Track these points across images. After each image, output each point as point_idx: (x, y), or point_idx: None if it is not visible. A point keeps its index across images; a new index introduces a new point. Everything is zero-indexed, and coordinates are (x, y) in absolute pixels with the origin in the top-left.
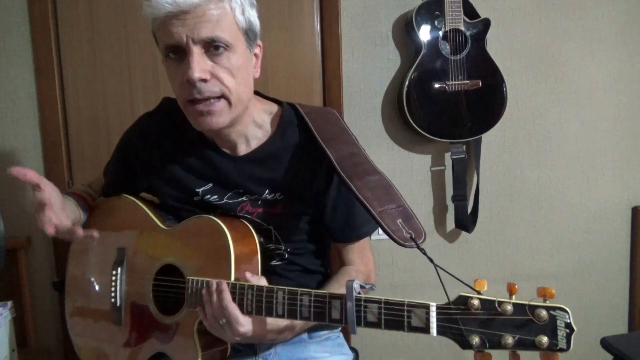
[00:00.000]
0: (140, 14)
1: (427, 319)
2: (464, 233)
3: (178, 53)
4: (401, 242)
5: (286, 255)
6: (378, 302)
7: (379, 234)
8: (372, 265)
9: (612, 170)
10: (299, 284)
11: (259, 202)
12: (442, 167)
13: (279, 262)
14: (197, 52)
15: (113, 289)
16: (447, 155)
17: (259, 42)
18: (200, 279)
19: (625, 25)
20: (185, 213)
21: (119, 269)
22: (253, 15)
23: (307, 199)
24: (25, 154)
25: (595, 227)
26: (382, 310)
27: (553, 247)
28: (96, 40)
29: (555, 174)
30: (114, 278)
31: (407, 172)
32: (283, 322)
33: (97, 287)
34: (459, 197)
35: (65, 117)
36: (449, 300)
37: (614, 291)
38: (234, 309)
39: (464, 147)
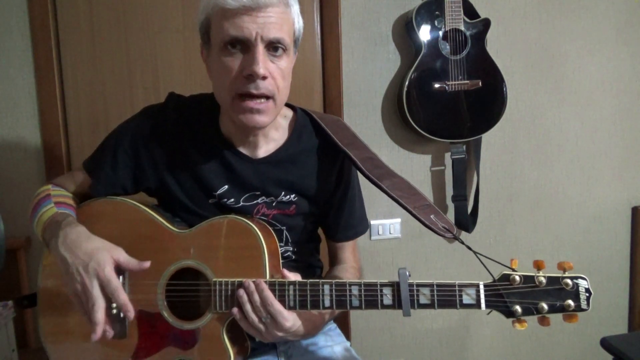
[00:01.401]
0: (139, 14)
1: (478, 296)
2: (464, 233)
3: (237, 47)
4: (441, 233)
5: (293, 256)
6: (430, 285)
7: (379, 234)
8: (360, 262)
9: (612, 170)
10: (304, 278)
11: (274, 204)
12: (442, 167)
13: (285, 261)
14: (262, 49)
15: None
16: (447, 155)
17: (297, 51)
18: (230, 279)
19: (625, 25)
20: (197, 216)
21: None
22: (302, 26)
23: (318, 200)
24: (25, 154)
25: (595, 227)
26: (435, 292)
27: (553, 247)
28: (96, 40)
29: (555, 174)
30: None
31: (407, 172)
32: (316, 315)
33: None
34: (459, 197)
35: (65, 117)
36: (494, 278)
37: (614, 291)
38: (277, 305)
39: (464, 147)
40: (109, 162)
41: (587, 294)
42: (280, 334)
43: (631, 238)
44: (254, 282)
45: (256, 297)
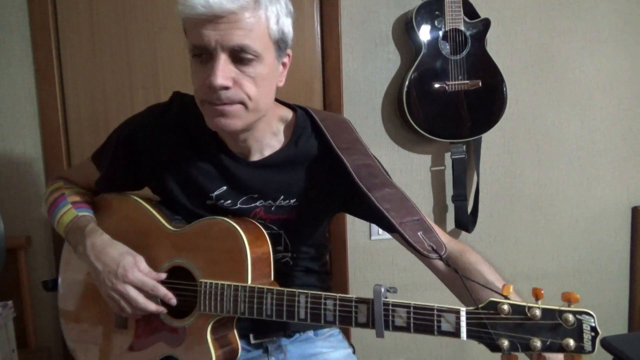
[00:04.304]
0: (139, 14)
1: (458, 324)
2: (464, 233)
3: (202, 55)
4: (424, 253)
5: (291, 262)
6: (407, 306)
7: (379, 234)
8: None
9: (612, 170)
10: (302, 282)
11: (273, 209)
12: (442, 167)
13: (282, 266)
14: (223, 58)
15: None
16: (447, 155)
17: (289, 51)
18: (214, 281)
19: (625, 25)
20: (195, 216)
21: None
22: (287, 25)
23: (320, 205)
24: (25, 154)
25: (595, 227)
26: (412, 315)
27: (553, 247)
28: (96, 40)
29: (555, 174)
30: None
31: (407, 172)
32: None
33: (97, 289)
34: (459, 197)
35: (65, 117)
36: (477, 305)
37: (614, 291)
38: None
39: (464, 147)
40: (111, 158)
41: (593, 334)
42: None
43: (631, 238)
44: None
45: None
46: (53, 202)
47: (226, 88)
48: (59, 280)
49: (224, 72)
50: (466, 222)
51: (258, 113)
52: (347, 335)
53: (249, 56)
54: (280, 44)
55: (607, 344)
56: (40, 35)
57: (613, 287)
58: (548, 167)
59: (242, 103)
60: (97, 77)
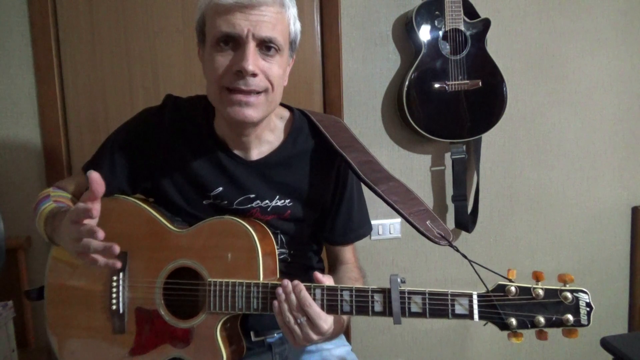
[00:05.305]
0: (139, 14)
1: (471, 306)
2: (464, 233)
3: (229, 44)
4: (436, 241)
5: (289, 259)
6: (422, 293)
7: (379, 234)
8: (359, 262)
9: (612, 170)
10: (301, 279)
11: (269, 210)
12: (442, 167)
13: (282, 263)
14: (253, 47)
15: (114, 295)
16: (447, 155)
17: (294, 55)
18: (225, 280)
19: (625, 25)
20: (193, 217)
21: (121, 274)
22: (299, 29)
23: (314, 204)
24: (25, 154)
25: (595, 227)
26: (427, 301)
27: (553, 247)
28: (96, 40)
29: (555, 174)
30: (114, 284)
31: (407, 172)
32: (344, 317)
33: (90, 295)
34: (459, 197)
35: (65, 117)
36: (487, 288)
37: (614, 291)
38: (316, 307)
39: (464, 147)
40: (106, 164)
41: (588, 309)
42: (315, 337)
43: (631, 238)
44: (292, 282)
45: (293, 298)
46: (36, 204)
47: (254, 75)
48: (45, 289)
49: (254, 59)
50: (466, 222)
51: (273, 105)
52: (347, 333)
53: (273, 49)
54: (293, 45)
55: (607, 344)
56: (40, 35)
57: (613, 287)
58: (548, 167)
59: (264, 92)
60: (97, 77)
